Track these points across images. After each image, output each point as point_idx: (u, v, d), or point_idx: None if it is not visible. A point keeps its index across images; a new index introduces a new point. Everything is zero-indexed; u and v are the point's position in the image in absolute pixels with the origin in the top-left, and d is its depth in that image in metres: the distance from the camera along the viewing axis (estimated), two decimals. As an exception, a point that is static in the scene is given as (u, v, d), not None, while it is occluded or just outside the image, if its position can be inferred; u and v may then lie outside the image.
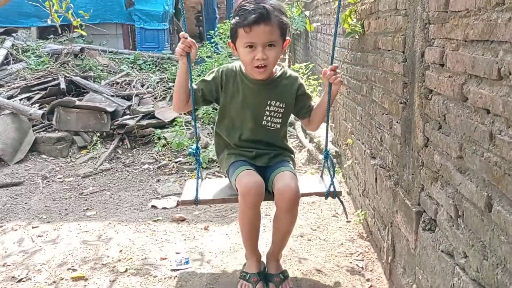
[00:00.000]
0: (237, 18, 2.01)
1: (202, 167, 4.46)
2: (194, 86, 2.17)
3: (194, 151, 2.29)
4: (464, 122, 1.51)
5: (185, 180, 4.34)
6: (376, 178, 2.73)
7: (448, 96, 1.65)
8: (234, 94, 2.20)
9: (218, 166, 4.42)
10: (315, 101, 2.43)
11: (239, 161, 2.23)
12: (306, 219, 3.32)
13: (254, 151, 2.26)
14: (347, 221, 3.27)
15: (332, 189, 2.28)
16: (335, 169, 2.32)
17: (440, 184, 1.75)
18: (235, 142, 2.27)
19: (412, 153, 2.09)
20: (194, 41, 2.07)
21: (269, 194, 2.19)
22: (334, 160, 2.46)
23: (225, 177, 2.41)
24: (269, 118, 2.22)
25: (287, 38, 2.10)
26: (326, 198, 2.33)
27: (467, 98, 1.49)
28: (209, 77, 2.23)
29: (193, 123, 2.30)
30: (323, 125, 2.39)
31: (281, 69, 2.24)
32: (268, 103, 2.20)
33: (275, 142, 2.32)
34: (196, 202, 2.22)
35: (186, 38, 2.04)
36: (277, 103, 2.21)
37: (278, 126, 2.26)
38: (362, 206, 3.18)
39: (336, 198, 2.32)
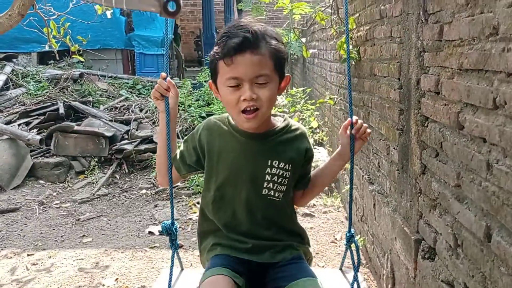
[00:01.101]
0: (216, 48, 1.45)
1: (199, 192, 4.43)
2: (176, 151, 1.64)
3: (167, 228, 1.64)
4: (461, 151, 1.51)
5: (182, 205, 4.31)
6: (374, 204, 2.71)
7: (444, 124, 1.65)
8: (221, 154, 1.55)
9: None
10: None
11: (222, 256, 1.55)
12: (304, 245, 3.28)
13: (250, 243, 1.55)
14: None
15: (355, 287, 1.60)
16: (360, 259, 1.68)
17: (439, 212, 1.73)
18: (225, 223, 1.57)
19: (409, 180, 2.08)
20: (173, 83, 1.57)
21: None
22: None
23: None
24: (271, 185, 1.54)
25: (286, 74, 1.51)
26: None
27: (463, 126, 1.48)
28: (189, 140, 1.63)
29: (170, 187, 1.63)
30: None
31: (284, 120, 1.61)
32: (269, 164, 1.53)
33: (282, 223, 1.61)
34: None
35: (165, 79, 1.55)
36: (281, 164, 1.54)
37: (282, 195, 1.56)
38: (361, 232, 3.15)
39: None
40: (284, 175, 1.55)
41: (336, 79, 4.10)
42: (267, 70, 1.43)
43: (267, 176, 1.54)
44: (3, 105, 6.38)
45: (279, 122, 1.60)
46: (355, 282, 1.59)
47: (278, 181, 1.54)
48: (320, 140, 5.28)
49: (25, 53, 8.48)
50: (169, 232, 1.63)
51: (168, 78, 1.56)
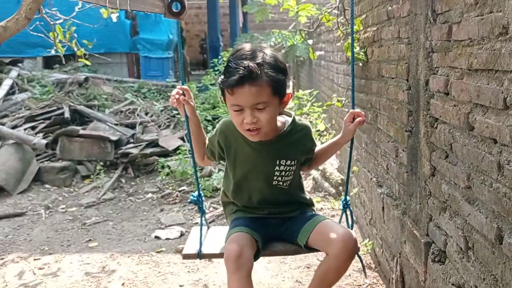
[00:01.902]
0: (222, 76, 1.74)
1: (206, 195, 4.42)
2: (206, 142, 2.01)
3: (195, 199, 2.04)
4: (471, 152, 1.48)
5: (188, 209, 4.30)
6: (383, 207, 2.68)
7: (454, 125, 1.63)
8: (237, 154, 1.91)
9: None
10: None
11: (242, 218, 1.96)
12: (311, 248, 3.26)
13: (265, 210, 1.96)
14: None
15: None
16: (354, 221, 2.03)
17: (449, 214, 1.71)
18: (244, 204, 1.98)
19: (419, 182, 2.05)
20: (187, 88, 1.87)
21: (298, 247, 1.93)
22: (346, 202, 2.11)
23: None
24: (280, 178, 1.91)
25: (287, 92, 1.80)
26: None
27: (473, 127, 1.46)
28: (212, 138, 1.98)
29: (194, 167, 2.03)
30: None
31: (292, 122, 1.90)
32: (277, 163, 1.88)
33: (291, 199, 2.01)
34: (199, 256, 1.96)
35: (182, 91, 1.86)
36: (288, 162, 1.90)
37: (289, 183, 1.94)
38: (370, 236, 3.12)
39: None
40: (290, 170, 1.91)
41: (343, 81, 4.07)
42: (265, 97, 1.69)
43: (276, 172, 1.89)
44: (9, 109, 6.40)
45: (286, 122, 1.89)
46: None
47: (286, 175, 1.91)
48: (326, 143, 5.25)
49: (31, 57, 8.51)
50: (196, 202, 2.03)
51: (182, 87, 1.86)
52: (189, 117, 1.89)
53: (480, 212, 1.44)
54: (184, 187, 4.80)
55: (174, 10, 1.11)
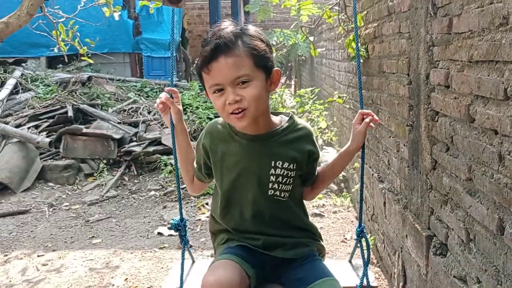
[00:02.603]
0: (198, 59, 1.47)
1: (209, 193, 4.42)
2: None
3: (176, 223, 1.66)
4: (472, 144, 1.49)
5: (191, 206, 4.31)
6: (384, 202, 2.69)
7: (455, 117, 1.63)
8: (224, 159, 1.55)
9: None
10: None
11: (235, 247, 1.55)
12: (314, 245, 3.27)
13: (261, 239, 1.55)
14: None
15: (365, 282, 1.60)
16: (370, 254, 1.67)
17: (450, 207, 1.71)
18: (234, 226, 1.58)
19: (420, 176, 2.06)
20: (176, 90, 1.58)
21: None
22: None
23: None
24: (276, 186, 1.53)
25: (275, 68, 1.48)
26: None
27: (474, 119, 1.47)
28: (197, 146, 1.63)
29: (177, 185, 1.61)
30: None
31: (289, 119, 1.59)
32: (273, 165, 1.52)
33: (291, 221, 1.60)
34: None
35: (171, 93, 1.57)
36: (285, 164, 1.52)
37: (287, 194, 1.55)
38: (371, 231, 3.12)
39: None
40: (289, 175, 1.53)
41: (344, 78, 4.08)
42: (246, 69, 1.41)
43: (271, 177, 1.53)
44: (12, 108, 6.43)
45: (283, 121, 1.58)
46: (365, 277, 1.58)
47: (283, 181, 1.53)
48: (329, 140, 5.26)
49: (34, 57, 8.54)
50: (178, 228, 1.65)
51: (171, 88, 1.57)
52: (174, 124, 1.58)
53: (481, 203, 1.45)
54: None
55: (174, -2, 1.12)
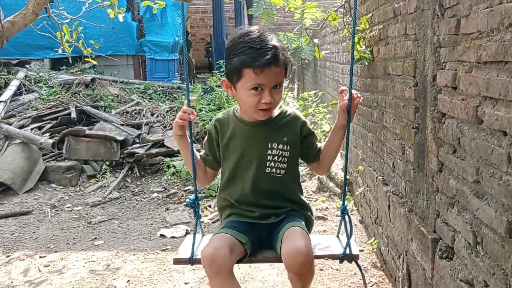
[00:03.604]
0: (242, 56, 1.71)
1: (211, 195, 4.42)
2: (201, 154, 2.00)
3: (192, 202, 1.96)
4: (480, 145, 1.47)
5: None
6: (389, 205, 2.67)
7: (462, 119, 1.61)
8: (230, 141, 1.90)
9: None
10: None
11: (234, 221, 1.90)
12: (317, 248, 3.24)
13: (257, 212, 1.89)
14: (360, 250, 3.18)
15: (348, 251, 1.87)
16: (352, 228, 1.93)
17: (457, 210, 1.69)
18: (237, 198, 1.91)
19: (426, 179, 2.04)
20: (193, 110, 1.83)
21: (276, 256, 1.85)
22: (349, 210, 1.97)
23: None
24: (272, 164, 1.86)
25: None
26: (341, 262, 1.93)
27: (482, 120, 1.45)
28: (205, 141, 1.99)
29: (193, 168, 1.93)
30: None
31: (279, 108, 1.91)
32: (270, 146, 1.86)
33: (285, 195, 1.93)
34: (191, 261, 1.89)
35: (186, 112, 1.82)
36: (280, 146, 1.86)
37: (283, 172, 1.88)
38: (375, 235, 3.10)
39: (353, 263, 1.92)
40: (284, 155, 1.87)
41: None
42: (281, 77, 1.77)
43: (269, 157, 1.86)
44: (16, 110, 6.44)
45: (276, 110, 1.89)
46: (348, 247, 1.87)
47: (279, 160, 1.87)
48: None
49: (38, 59, 8.56)
50: (193, 205, 1.96)
51: (189, 109, 1.81)
52: (185, 137, 1.88)
53: (489, 206, 1.43)
54: (189, 187, 4.80)
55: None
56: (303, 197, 1.99)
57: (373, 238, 3.11)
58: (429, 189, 1.99)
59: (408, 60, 2.25)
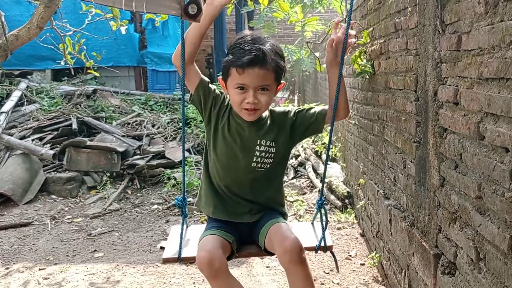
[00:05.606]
0: (231, 56, 1.80)
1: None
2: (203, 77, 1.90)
3: (179, 202, 1.96)
4: (482, 161, 1.48)
5: (194, 221, 4.28)
6: (390, 219, 2.66)
7: (464, 134, 1.62)
8: (224, 127, 1.93)
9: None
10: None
11: (217, 221, 1.98)
12: (318, 261, 3.23)
13: (240, 204, 1.99)
14: (361, 264, 3.17)
15: (323, 243, 2.01)
16: (328, 221, 2.02)
17: (459, 225, 1.69)
18: (225, 183, 1.98)
19: (427, 193, 2.04)
20: None
21: (259, 250, 1.99)
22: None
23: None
24: (259, 159, 1.93)
25: (282, 82, 1.89)
26: (316, 252, 2.05)
27: (484, 136, 1.45)
28: (213, 87, 1.93)
29: (190, 168, 2.00)
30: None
31: (269, 110, 1.99)
32: (258, 143, 1.92)
33: (265, 191, 2.01)
34: (179, 259, 1.94)
35: None
36: (267, 143, 1.93)
37: (268, 166, 1.95)
38: (377, 249, 3.09)
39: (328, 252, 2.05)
40: (270, 151, 1.94)
41: (349, 94, 4.08)
42: (269, 81, 1.81)
43: (256, 152, 1.93)
44: (17, 120, 6.45)
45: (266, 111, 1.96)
46: (323, 239, 2.00)
47: (265, 156, 1.94)
48: (333, 156, 5.25)
49: (40, 70, 8.59)
50: (180, 206, 1.97)
51: None
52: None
53: (491, 222, 1.43)
54: (190, 199, 4.78)
55: (191, 12, 1.12)
56: (281, 196, 2.10)
57: (375, 252, 3.10)
58: (431, 203, 1.99)
59: (409, 74, 2.26)
